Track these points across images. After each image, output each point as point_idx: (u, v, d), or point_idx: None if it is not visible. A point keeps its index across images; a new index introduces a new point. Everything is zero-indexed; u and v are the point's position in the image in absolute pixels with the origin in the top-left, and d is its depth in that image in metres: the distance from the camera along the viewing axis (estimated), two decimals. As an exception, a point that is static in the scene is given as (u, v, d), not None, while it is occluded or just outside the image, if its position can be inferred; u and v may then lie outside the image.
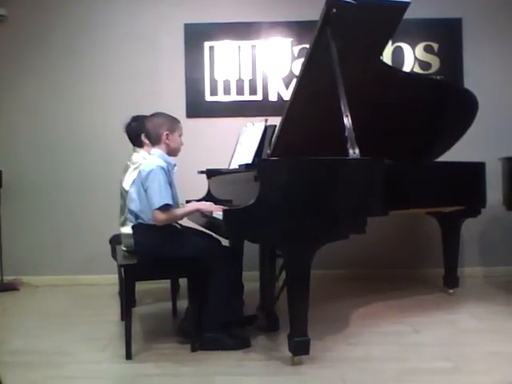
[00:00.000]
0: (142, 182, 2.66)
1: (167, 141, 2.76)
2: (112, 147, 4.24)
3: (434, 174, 3.22)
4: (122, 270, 2.72)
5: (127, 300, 2.70)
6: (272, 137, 3.00)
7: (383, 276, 4.22)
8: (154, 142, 2.80)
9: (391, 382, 2.26)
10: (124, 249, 3.06)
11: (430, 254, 4.18)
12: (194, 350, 2.62)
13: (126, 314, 2.61)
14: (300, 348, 2.40)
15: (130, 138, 3.36)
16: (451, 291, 3.73)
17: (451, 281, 3.75)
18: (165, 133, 2.75)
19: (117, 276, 3.49)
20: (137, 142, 3.32)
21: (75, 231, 4.41)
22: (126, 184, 3.10)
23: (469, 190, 3.38)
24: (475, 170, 3.42)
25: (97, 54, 4.43)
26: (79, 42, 4.42)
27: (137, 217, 2.73)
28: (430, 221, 3.87)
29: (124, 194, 3.14)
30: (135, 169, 3.08)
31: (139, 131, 3.20)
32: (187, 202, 3.27)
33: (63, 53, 4.42)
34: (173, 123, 2.80)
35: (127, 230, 2.93)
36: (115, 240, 3.44)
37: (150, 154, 2.87)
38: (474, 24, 4.35)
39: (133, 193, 2.76)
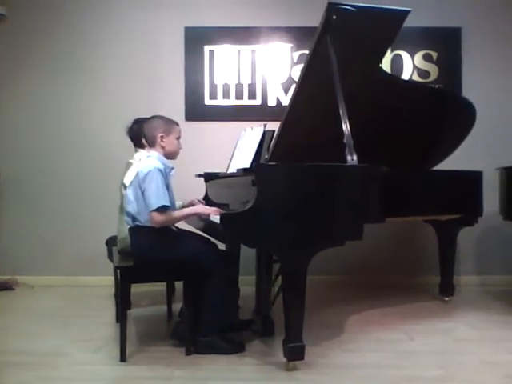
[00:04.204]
0: (140, 184, 2.66)
1: (162, 143, 2.77)
2: (110, 148, 4.26)
3: (431, 182, 3.23)
4: (118, 271, 2.72)
5: (122, 302, 2.70)
6: (270, 142, 3.01)
7: (379, 283, 4.21)
8: (150, 144, 2.82)
9: (385, 389, 2.27)
10: (118, 249, 3.06)
11: (427, 261, 4.18)
12: (188, 353, 2.62)
13: (121, 316, 2.60)
14: (295, 353, 2.39)
15: (132, 141, 3.40)
16: (447, 299, 3.73)
17: (447, 289, 3.76)
18: (159, 135, 2.76)
19: (113, 278, 3.48)
20: (138, 144, 3.36)
21: (72, 231, 4.41)
22: (127, 181, 3.11)
23: (466, 199, 3.39)
24: (472, 179, 3.43)
25: (96, 55, 4.43)
26: (78, 44, 4.43)
27: (134, 219, 2.73)
28: (427, 228, 3.87)
29: (123, 192, 3.15)
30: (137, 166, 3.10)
31: (140, 134, 3.24)
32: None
33: (62, 54, 4.42)
34: (169, 126, 2.81)
35: (124, 233, 2.93)
36: (112, 242, 3.44)
37: (147, 156, 2.87)
38: (474, 34, 4.38)
39: (130, 194, 2.76)
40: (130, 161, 3.29)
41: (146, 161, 2.78)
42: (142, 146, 3.32)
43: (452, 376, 2.38)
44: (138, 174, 2.71)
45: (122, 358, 2.54)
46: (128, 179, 3.06)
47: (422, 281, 4.24)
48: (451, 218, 3.47)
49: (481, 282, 4.35)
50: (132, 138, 3.40)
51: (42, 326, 3.19)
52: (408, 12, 2.76)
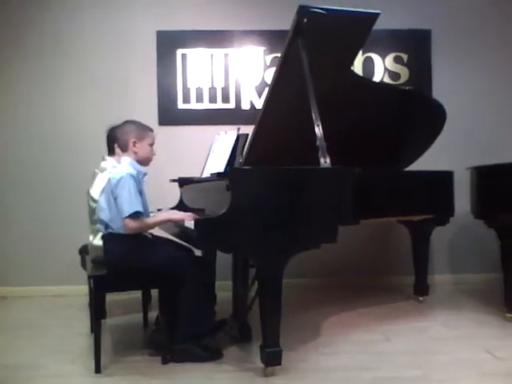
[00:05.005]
0: (112, 190, 2.62)
1: (134, 148, 2.73)
2: (84, 156, 4.17)
3: (403, 182, 3.26)
4: (91, 281, 2.66)
5: (96, 312, 2.64)
6: (244, 145, 3.00)
7: (355, 284, 4.24)
8: (123, 149, 2.78)
9: (363, 391, 2.27)
10: (92, 258, 3.00)
11: (401, 261, 4.22)
12: (165, 362, 2.58)
13: (95, 327, 2.55)
14: (272, 359, 2.38)
15: (108, 143, 3.33)
16: (421, 299, 3.77)
17: (421, 288, 3.80)
18: (132, 140, 2.72)
19: (87, 287, 3.42)
20: (111, 149, 3.29)
21: (45, 240, 4.31)
22: (95, 192, 3.05)
23: (438, 199, 3.43)
24: (444, 179, 3.49)
25: (69, 60, 4.35)
26: (51, 49, 4.34)
27: (107, 226, 2.68)
28: (401, 229, 3.91)
29: (91, 203, 3.09)
30: (103, 176, 3.04)
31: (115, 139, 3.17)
32: (159, 210, 3.24)
33: (35, 58, 4.34)
34: (142, 131, 2.77)
35: (96, 241, 2.88)
36: (85, 250, 3.38)
37: (119, 162, 2.83)
38: (443, 36, 4.45)
39: (102, 201, 2.71)
40: (96, 170, 3.22)
41: (118, 167, 2.74)
42: (113, 153, 3.27)
43: (429, 376, 2.40)
44: (109, 180, 2.66)
45: (97, 370, 2.49)
46: (95, 190, 3.00)
47: (396, 281, 4.28)
48: (424, 218, 3.51)
49: (454, 281, 4.42)
50: (108, 141, 3.32)
51: (15, 338, 3.11)
52: (378, 14, 2.79)
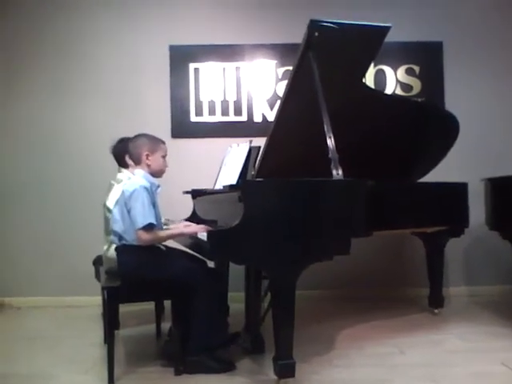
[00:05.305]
0: (126, 202, 2.65)
1: (147, 161, 2.76)
2: (97, 167, 4.23)
3: (417, 194, 3.25)
4: (105, 292, 2.68)
5: (110, 322, 2.66)
6: (256, 158, 3.01)
7: (368, 296, 4.21)
8: (136, 162, 2.81)
9: (377, 404, 2.25)
10: (105, 269, 3.03)
11: (415, 273, 4.18)
12: (177, 373, 2.58)
13: (109, 338, 2.56)
14: (285, 371, 2.36)
15: (116, 159, 3.40)
16: (436, 311, 3.74)
17: (436, 301, 3.76)
18: (145, 153, 2.75)
19: (101, 297, 3.44)
20: (122, 163, 3.36)
21: (59, 251, 4.35)
22: (110, 203, 3.09)
23: (452, 210, 3.41)
24: (458, 191, 3.46)
25: (82, 74, 4.43)
26: (65, 64, 4.42)
27: (120, 238, 2.70)
28: (415, 241, 3.89)
29: (107, 214, 3.14)
30: (119, 187, 3.09)
31: (123, 152, 3.24)
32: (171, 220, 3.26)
33: (48, 71, 4.41)
34: (154, 144, 2.80)
35: (110, 252, 2.90)
36: (99, 261, 3.41)
37: (133, 174, 2.87)
38: (455, 47, 4.45)
39: (116, 213, 2.74)
40: (112, 182, 3.28)
41: (132, 179, 2.78)
42: (125, 165, 3.33)
43: (443, 389, 2.38)
44: (123, 192, 2.69)
45: (110, 380, 2.50)
46: (111, 201, 3.05)
47: (411, 293, 4.25)
48: (438, 229, 3.49)
49: (469, 293, 4.37)
50: (116, 157, 3.40)
51: (29, 348, 3.14)
52: (389, 28, 2.80)
